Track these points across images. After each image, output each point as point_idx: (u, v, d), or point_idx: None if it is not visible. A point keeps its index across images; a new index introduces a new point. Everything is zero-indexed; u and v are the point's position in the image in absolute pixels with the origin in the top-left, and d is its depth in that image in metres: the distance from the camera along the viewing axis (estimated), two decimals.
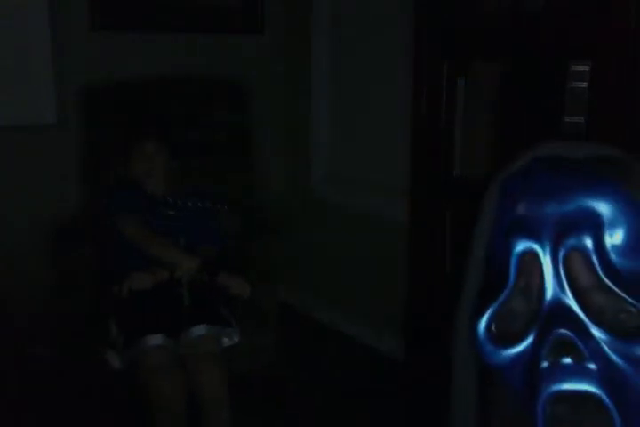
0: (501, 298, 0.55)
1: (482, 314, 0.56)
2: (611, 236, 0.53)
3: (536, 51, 1.84)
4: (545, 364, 0.51)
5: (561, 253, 0.53)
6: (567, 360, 0.51)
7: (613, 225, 0.53)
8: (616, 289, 0.52)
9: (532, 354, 0.53)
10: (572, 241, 0.53)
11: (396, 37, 2.70)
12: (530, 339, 0.53)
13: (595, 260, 0.52)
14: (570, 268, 0.53)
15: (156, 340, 2.12)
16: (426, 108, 2.20)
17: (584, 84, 1.69)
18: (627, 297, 0.52)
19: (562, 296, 0.52)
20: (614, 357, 0.52)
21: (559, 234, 0.53)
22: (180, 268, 2.27)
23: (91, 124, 2.70)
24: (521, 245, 0.54)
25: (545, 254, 0.53)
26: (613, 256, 0.53)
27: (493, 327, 0.56)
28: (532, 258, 0.54)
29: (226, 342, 2.28)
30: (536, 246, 0.54)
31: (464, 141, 2.14)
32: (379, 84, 2.95)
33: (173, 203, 2.45)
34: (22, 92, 2.72)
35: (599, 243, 0.53)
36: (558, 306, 0.52)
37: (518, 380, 0.55)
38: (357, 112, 3.12)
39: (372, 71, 2.98)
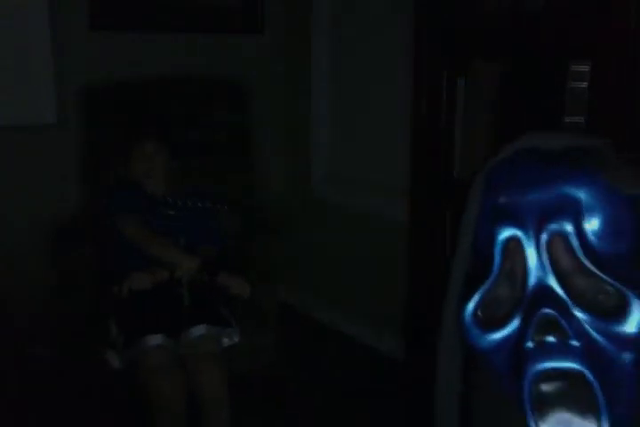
0: (487, 284, 0.58)
1: (468, 300, 0.59)
2: (589, 221, 0.56)
3: (536, 51, 1.84)
4: (530, 344, 0.54)
5: (543, 238, 0.56)
6: (551, 339, 0.54)
7: (591, 211, 0.56)
8: (596, 271, 0.55)
9: (518, 336, 0.56)
10: (553, 226, 0.56)
11: (396, 37, 2.70)
12: (515, 323, 0.57)
13: (575, 243, 0.56)
14: (552, 252, 0.56)
15: (155, 340, 2.12)
16: (426, 108, 2.20)
17: (584, 84, 1.69)
18: (606, 278, 0.55)
19: (545, 279, 0.56)
20: (596, 335, 0.55)
21: (541, 220, 0.56)
22: (180, 268, 2.27)
23: (91, 124, 2.70)
24: (505, 233, 0.57)
25: (528, 240, 0.56)
26: (592, 240, 0.56)
27: (480, 313, 0.59)
28: (515, 244, 0.57)
29: (226, 342, 2.28)
30: (519, 233, 0.57)
31: (464, 141, 2.14)
32: (379, 84, 2.95)
33: (173, 203, 2.45)
34: (22, 92, 2.72)
35: (579, 228, 0.56)
36: (542, 288, 0.55)
37: (503, 363, 0.57)
38: (357, 112, 3.12)
39: (372, 71, 2.98)
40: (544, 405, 0.54)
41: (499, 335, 0.58)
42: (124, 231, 2.33)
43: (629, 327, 0.55)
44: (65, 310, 2.39)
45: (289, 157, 3.47)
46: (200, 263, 2.28)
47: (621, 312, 0.55)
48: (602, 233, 0.57)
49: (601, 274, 0.55)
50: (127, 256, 2.33)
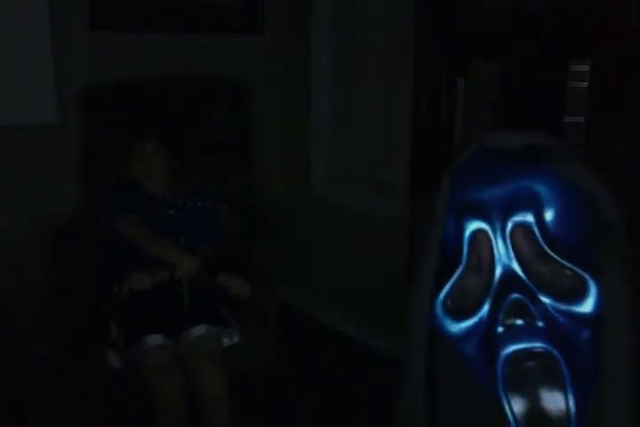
0: (456, 275, 0.63)
1: (439, 291, 0.64)
2: (548, 211, 0.62)
3: (536, 51, 1.84)
4: (500, 329, 0.59)
5: (508, 229, 0.61)
6: (520, 322, 0.58)
7: (549, 202, 0.62)
8: (555, 256, 0.60)
9: (488, 322, 0.61)
10: (516, 218, 0.61)
11: (396, 37, 2.70)
12: (484, 310, 0.61)
13: (537, 232, 0.61)
14: (516, 241, 0.61)
15: (155, 340, 2.12)
16: (426, 108, 2.20)
17: (584, 84, 1.69)
18: (565, 263, 0.60)
19: (510, 267, 0.60)
20: (557, 316, 0.60)
21: (505, 213, 0.61)
22: (180, 268, 2.27)
23: (91, 124, 2.70)
24: (472, 226, 0.62)
25: (494, 232, 0.61)
26: (551, 229, 0.61)
27: (449, 303, 0.64)
28: (482, 236, 0.62)
29: (226, 342, 2.28)
30: (486, 225, 0.61)
31: (464, 141, 2.14)
32: (379, 84, 2.95)
33: (173, 203, 2.45)
34: (22, 92, 2.72)
35: (539, 218, 0.61)
36: (508, 276, 0.60)
37: (473, 349, 0.62)
38: (357, 112, 3.12)
39: (372, 71, 2.98)
40: (516, 385, 0.58)
41: (469, 323, 0.62)
42: (123, 232, 2.33)
43: (586, 308, 0.60)
44: (65, 310, 2.39)
45: (289, 157, 3.47)
46: (200, 263, 2.28)
47: (579, 294, 0.60)
48: (558, 222, 0.62)
49: (560, 259, 0.60)
50: (127, 256, 2.33)
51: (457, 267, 0.63)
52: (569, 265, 0.60)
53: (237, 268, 2.40)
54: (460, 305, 0.63)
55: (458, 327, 0.63)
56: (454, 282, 0.63)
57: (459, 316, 0.63)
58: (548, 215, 0.62)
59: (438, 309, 0.64)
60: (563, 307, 0.60)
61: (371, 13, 2.94)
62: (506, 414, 0.59)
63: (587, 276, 0.60)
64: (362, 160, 3.11)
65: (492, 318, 0.60)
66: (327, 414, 2.52)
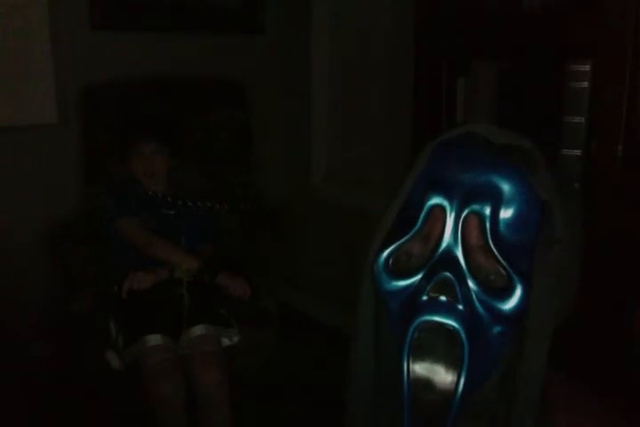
0: (404, 239, 0.67)
1: (385, 248, 0.68)
2: (505, 210, 0.65)
3: (536, 51, 1.84)
4: (425, 297, 0.63)
5: (463, 214, 0.64)
6: (443, 298, 0.62)
7: (509, 202, 0.66)
8: (496, 252, 0.64)
9: (416, 288, 0.65)
10: (474, 206, 0.64)
11: (396, 37, 2.70)
12: (418, 277, 0.65)
13: (487, 225, 0.64)
14: (466, 227, 0.64)
15: (155, 340, 2.12)
16: (426, 108, 2.20)
17: (584, 84, 1.69)
18: (502, 261, 0.64)
19: (453, 248, 0.64)
20: (478, 305, 0.64)
21: (467, 198, 0.65)
22: (181, 268, 2.27)
23: (91, 124, 2.70)
24: (434, 200, 0.66)
25: (451, 211, 0.65)
26: (501, 227, 0.65)
27: (391, 262, 0.68)
28: (439, 212, 0.65)
29: (226, 342, 2.28)
30: (446, 203, 0.65)
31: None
32: (378, 83, 2.95)
33: (173, 203, 2.45)
34: (22, 92, 2.72)
35: (495, 213, 0.65)
36: (448, 255, 0.64)
37: (396, 307, 0.67)
38: (357, 112, 3.12)
39: (372, 71, 2.98)
40: (418, 351, 0.63)
41: (401, 283, 0.66)
42: (123, 232, 2.33)
43: (507, 307, 0.64)
44: (65, 310, 2.39)
45: (289, 157, 3.47)
46: (200, 263, 2.28)
47: (505, 293, 0.63)
48: (511, 223, 0.65)
49: (499, 256, 0.64)
50: (127, 256, 2.33)
51: (407, 232, 0.67)
52: (505, 265, 0.63)
53: (237, 268, 2.40)
54: (400, 266, 0.67)
55: (391, 284, 0.67)
56: (400, 244, 0.67)
57: (396, 275, 0.67)
58: (504, 214, 0.65)
59: (379, 264, 0.68)
60: (486, 298, 0.63)
61: (371, 13, 2.94)
62: (401, 375, 0.63)
63: (517, 279, 0.63)
64: (362, 160, 3.11)
65: (421, 287, 0.64)
66: (327, 414, 2.52)
